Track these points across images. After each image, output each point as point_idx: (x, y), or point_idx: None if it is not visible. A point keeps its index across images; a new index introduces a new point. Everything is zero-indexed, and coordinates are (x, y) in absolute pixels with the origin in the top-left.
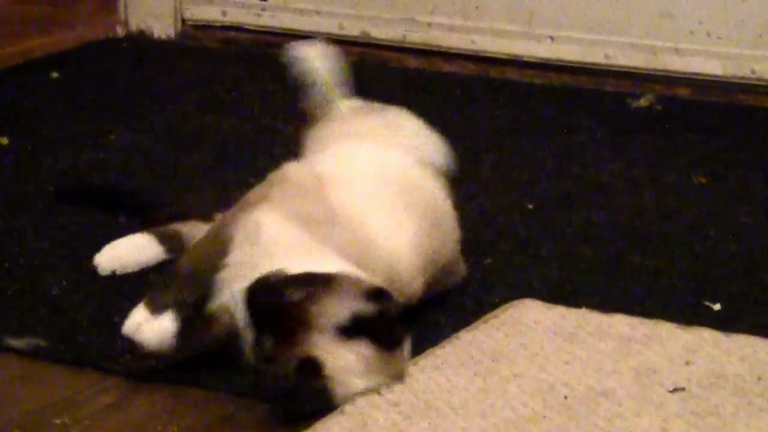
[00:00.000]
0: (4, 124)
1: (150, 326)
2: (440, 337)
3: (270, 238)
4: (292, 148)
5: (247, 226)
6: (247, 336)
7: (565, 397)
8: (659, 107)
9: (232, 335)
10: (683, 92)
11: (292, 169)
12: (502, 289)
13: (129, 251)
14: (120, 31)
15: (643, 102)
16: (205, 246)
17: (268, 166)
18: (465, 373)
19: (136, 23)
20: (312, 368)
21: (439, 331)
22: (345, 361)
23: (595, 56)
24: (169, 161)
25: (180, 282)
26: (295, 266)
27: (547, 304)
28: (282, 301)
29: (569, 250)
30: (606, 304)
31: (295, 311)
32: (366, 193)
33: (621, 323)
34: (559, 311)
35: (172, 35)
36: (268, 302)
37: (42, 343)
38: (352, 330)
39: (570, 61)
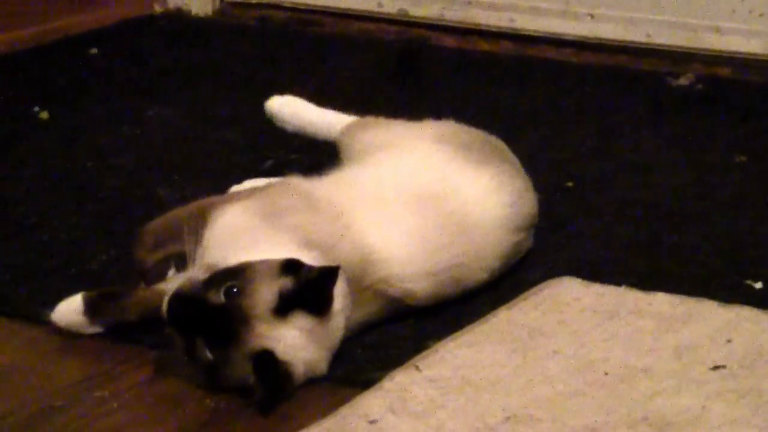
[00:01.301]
0: (44, 99)
1: (59, 305)
2: (479, 314)
3: (220, 226)
4: None
5: (212, 214)
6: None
7: (605, 374)
8: (699, 86)
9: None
10: (724, 71)
11: (293, 179)
12: (540, 267)
13: None
14: (157, 9)
15: (682, 81)
16: (171, 221)
17: (305, 144)
18: (503, 349)
19: (173, 0)
20: (267, 360)
21: (478, 309)
22: (291, 340)
23: (635, 35)
24: (207, 138)
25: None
26: (232, 254)
27: (586, 282)
28: (206, 307)
29: (608, 229)
30: (645, 283)
31: (226, 311)
32: (365, 193)
33: (661, 301)
34: (598, 289)
35: (210, 13)
36: (193, 311)
37: None
38: (283, 308)
39: (609, 40)
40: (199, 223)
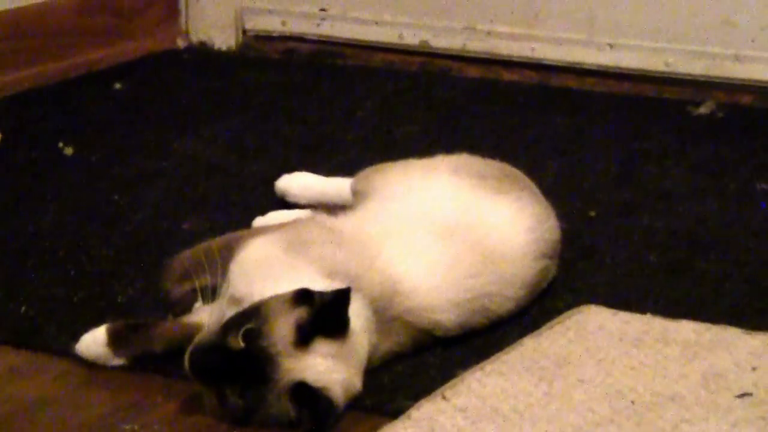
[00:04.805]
0: (68, 134)
1: (84, 337)
2: (505, 343)
3: (246, 259)
4: (353, 157)
5: (238, 247)
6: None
7: (632, 402)
8: (721, 115)
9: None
10: (745, 99)
11: (318, 215)
12: (566, 295)
13: None
14: (181, 43)
15: (704, 110)
16: (198, 253)
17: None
18: (530, 378)
19: (197, 35)
20: (304, 390)
21: (504, 338)
22: (319, 367)
23: (656, 64)
24: (232, 170)
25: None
26: (257, 286)
27: (612, 310)
28: (228, 355)
29: (633, 256)
30: (671, 311)
31: (249, 355)
32: (389, 226)
33: (687, 329)
34: (624, 317)
35: (233, 46)
36: (216, 362)
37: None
38: (303, 339)
39: (630, 69)
40: (226, 255)
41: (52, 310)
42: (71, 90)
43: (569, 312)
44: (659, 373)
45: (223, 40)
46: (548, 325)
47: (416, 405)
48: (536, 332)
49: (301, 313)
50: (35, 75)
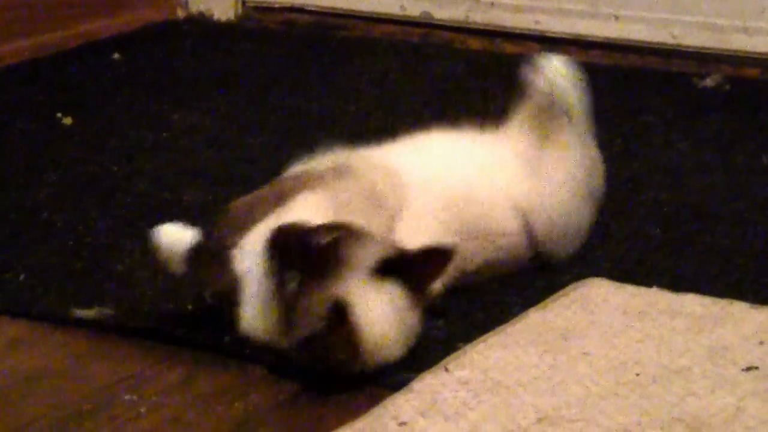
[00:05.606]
0: (67, 105)
1: (168, 228)
2: (509, 315)
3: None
4: (354, 130)
5: (287, 202)
6: (266, 283)
7: (637, 375)
8: (727, 87)
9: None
10: (752, 72)
11: (356, 157)
12: (571, 268)
13: None
14: (180, 13)
15: (710, 82)
16: (254, 201)
17: (329, 148)
18: (534, 351)
19: (196, 5)
20: (341, 312)
21: (508, 310)
22: (376, 303)
23: (661, 36)
24: (232, 142)
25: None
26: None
27: (617, 283)
28: (310, 244)
29: (639, 230)
30: (677, 285)
31: (325, 253)
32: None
33: (693, 302)
34: (629, 290)
35: (233, 17)
36: (297, 243)
37: (111, 311)
38: (382, 270)
39: (635, 41)
40: (279, 206)
41: (51, 281)
42: (70, 60)
43: (574, 285)
44: (665, 346)
45: (223, 10)
46: (552, 297)
47: (418, 377)
48: (540, 305)
49: (396, 250)
50: (34, 45)
